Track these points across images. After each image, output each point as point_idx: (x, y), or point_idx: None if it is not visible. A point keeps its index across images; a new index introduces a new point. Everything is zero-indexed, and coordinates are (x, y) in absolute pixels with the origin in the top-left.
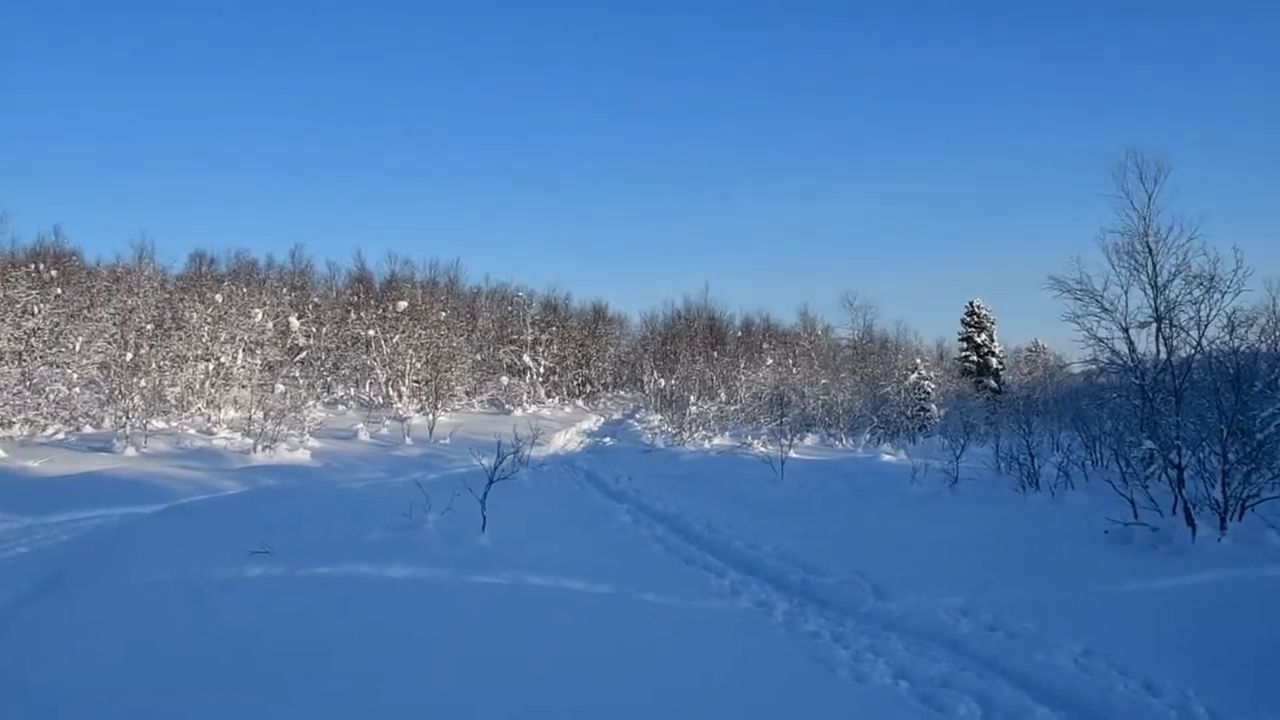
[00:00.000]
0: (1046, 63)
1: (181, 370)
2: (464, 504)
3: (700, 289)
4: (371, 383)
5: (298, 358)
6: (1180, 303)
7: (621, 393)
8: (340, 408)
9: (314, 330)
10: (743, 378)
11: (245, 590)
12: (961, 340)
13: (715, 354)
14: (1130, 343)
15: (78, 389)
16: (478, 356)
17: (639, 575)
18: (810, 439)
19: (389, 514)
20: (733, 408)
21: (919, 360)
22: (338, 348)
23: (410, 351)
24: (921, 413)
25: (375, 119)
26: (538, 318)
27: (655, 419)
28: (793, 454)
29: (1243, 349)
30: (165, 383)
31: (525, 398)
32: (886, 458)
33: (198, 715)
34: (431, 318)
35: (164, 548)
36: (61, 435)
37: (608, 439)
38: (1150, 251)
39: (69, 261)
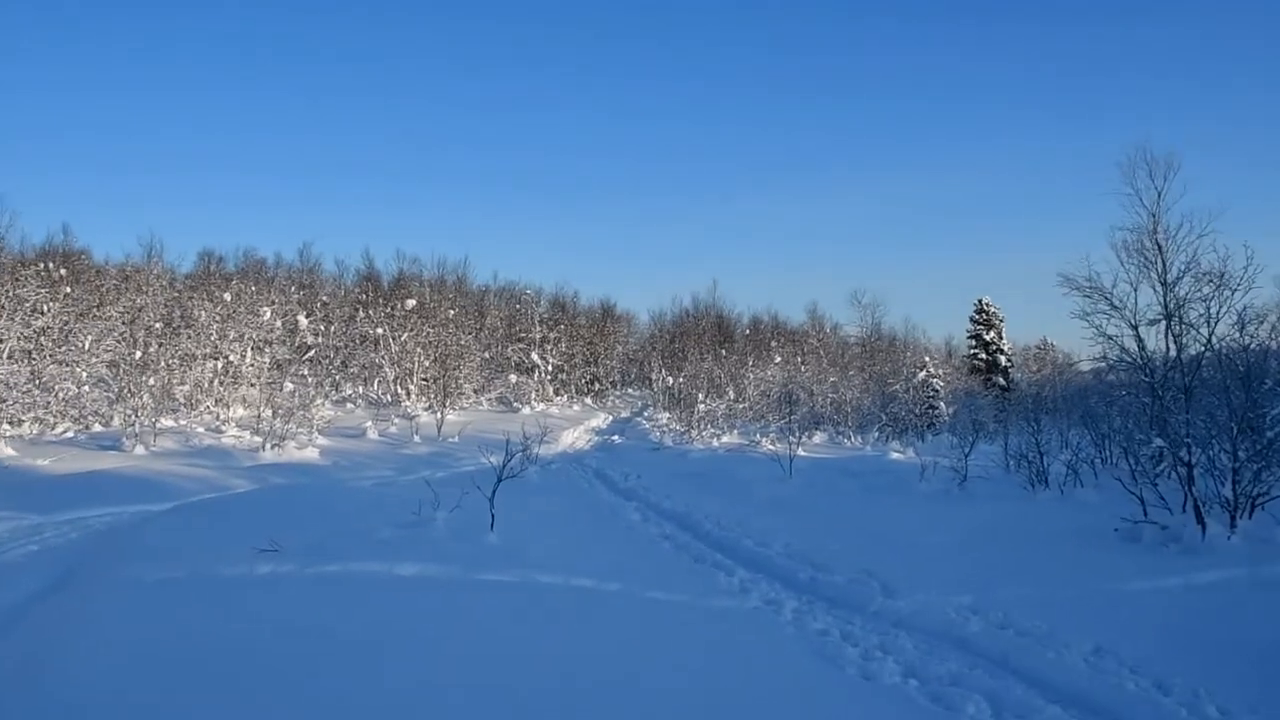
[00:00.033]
0: (1046, 63)
1: (190, 369)
2: (473, 502)
3: (708, 287)
4: (380, 381)
5: (306, 356)
6: (1190, 300)
7: (630, 391)
8: (349, 406)
9: (322, 328)
10: (751, 375)
11: (255, 588)
12: (970, 338)
13: (723, 352)
14: (1140, 340)
15: (87, 387)
16: (486, 354)
17: (647, 573)
18: (819, 437)
19: (398, 512)
20: (741, 406)
21: (927, 358)
22: (346, 346)
23: (418, 349)
24: (930, 410)
25: (379, 119)
26: (546, 316)
27: (663, 417)
28: (801, 452)
29: (1253, 346)
30: (174, 381)
31: (533, 396)
32: (895, 456)
33: (207, 711)
34: (440, 316)
35: (173, 546)
36: (71, 434)
37: (616, 437)
38: (1160, 249)
39: (78, 260)
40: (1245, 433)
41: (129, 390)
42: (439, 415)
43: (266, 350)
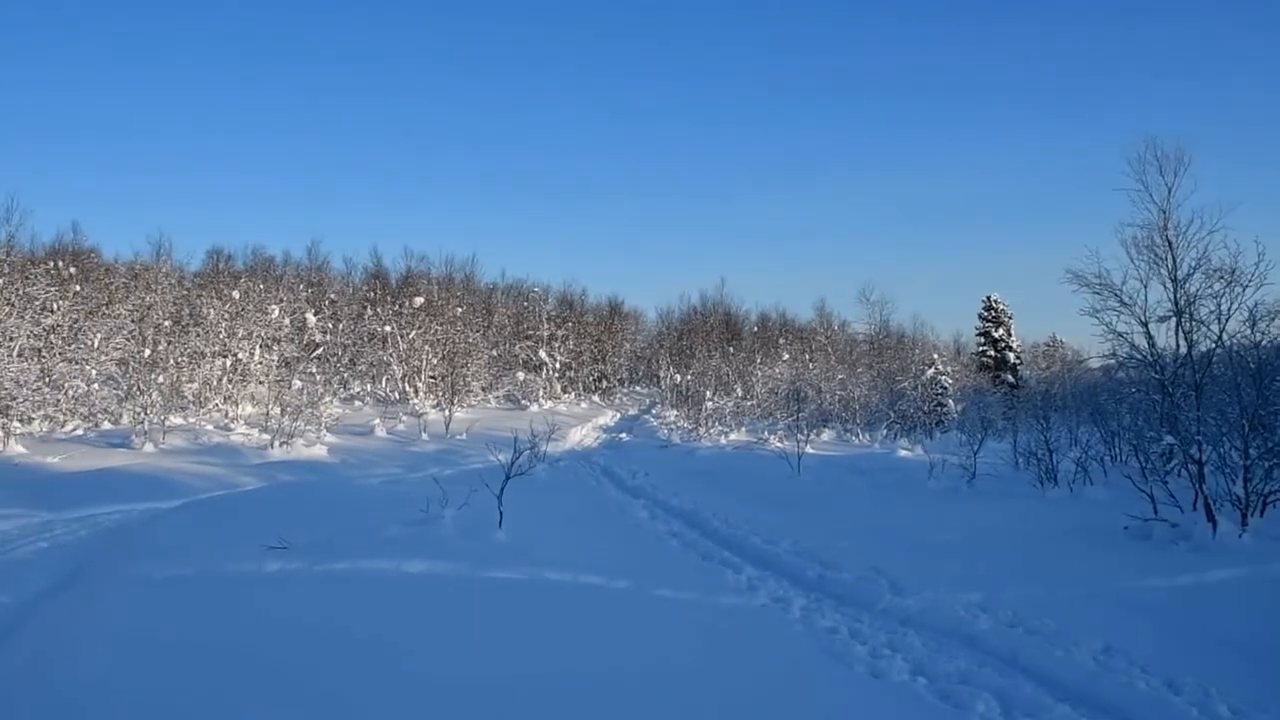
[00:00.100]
0: (1046, 63)
1: (199, 366)
2: (481, 500)
3: (716, 284)
4: (388, 379)
5: (314, 354)
6: (1201, 297)
7: (638, 388)
8: (357, 404)
9: (330, 326)
10: (759, 373)
11: (263, 586)
12: (979, 335)
13: (731, 349)
14: (1150, 337)
15: (96, 385)
16: (494, 352)
17: (655, 571)
18: (827, 434)
19: (406, 509)
20: (749, 403)
21: (936, 355)
22: (354, 344)
23: (426, 347)
24: (939, 408)
25: (379, 119)
26: (554, 313)
27: (671, 414)
28: (809, 449)
29: (1264, 343)
30: (183, 379)
31: (541, 393)
32: (903, 453)
33: (215, 708)
34: (448, 314)
35: (182, 543)
36: (80, 431)
37: (624, 434)
38: (1170, 245)
39: (87, 259)
40: (1256, 430)
41: (138, 388)
42: (447, 413)
43: (275, 348)
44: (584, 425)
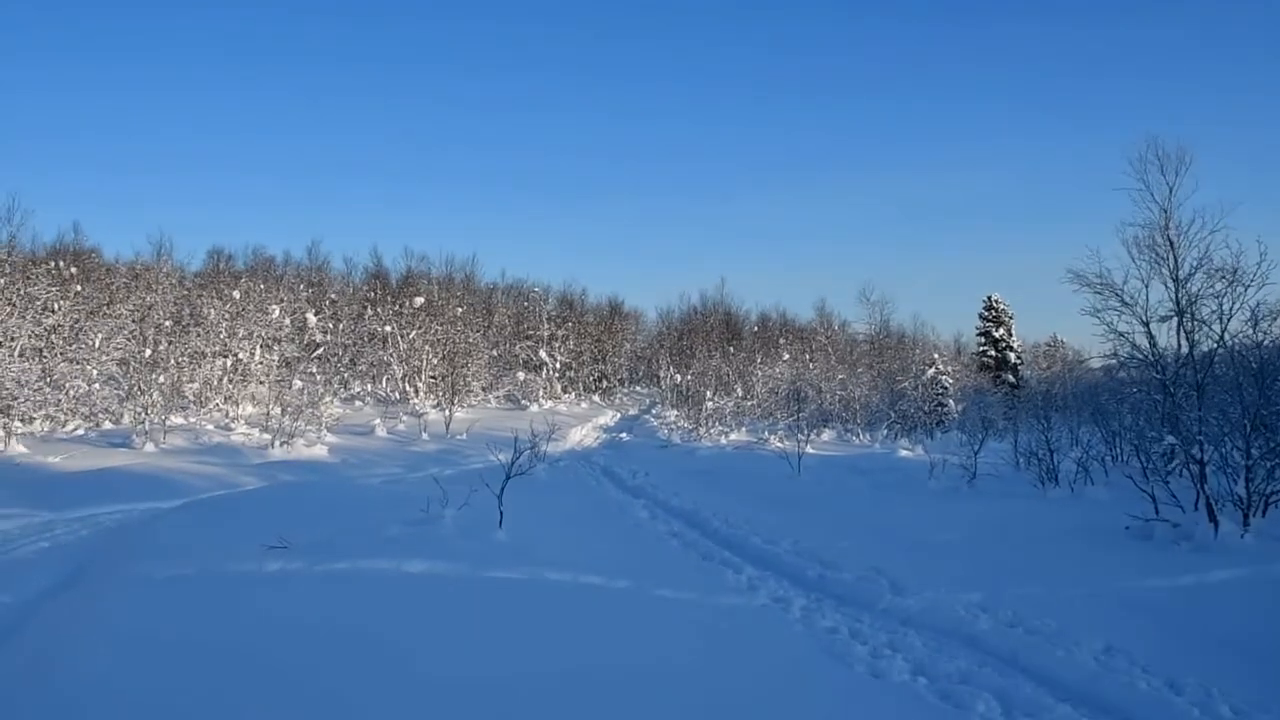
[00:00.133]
0: (1046, 63)
1: (200, 366)
2: (481, 499)
3: (716, 284)
4: (388, 379)
5: (315, 354)
6: (1202, 296)
7: (638, 388)
8: (357, 403)
9: (331, 326)
10: (759, 373)
11: (264, 585)
12: (979, 334)
13: (732, 349)
14: (1151, 337)
15: (97, 385)
16: (494, 352)
17: (656, 570)
18: (827, 434)
19: (406, 509)
20: (749, 403)
21: (936, 355)
22: (354, 344)
23: (427, 347)
24: (939, 408)
25: (379, 119)
26: (554, 313)
27: (672, 414)
28: (810, 449)
29: (1266, 343)
30: (184, 379)
31: (541, 393)
32: (904, 453)
33: (215, 707)
34: (448, 314)
35: (183, 543)
36: (81, 431)
37: (624, 434)
38: (1171, 245)
39: (88, 258)
40: (1258, 430)
41: (139, 388)
42: (447, 413)
43: (275, 348)
44: (584, 425)
